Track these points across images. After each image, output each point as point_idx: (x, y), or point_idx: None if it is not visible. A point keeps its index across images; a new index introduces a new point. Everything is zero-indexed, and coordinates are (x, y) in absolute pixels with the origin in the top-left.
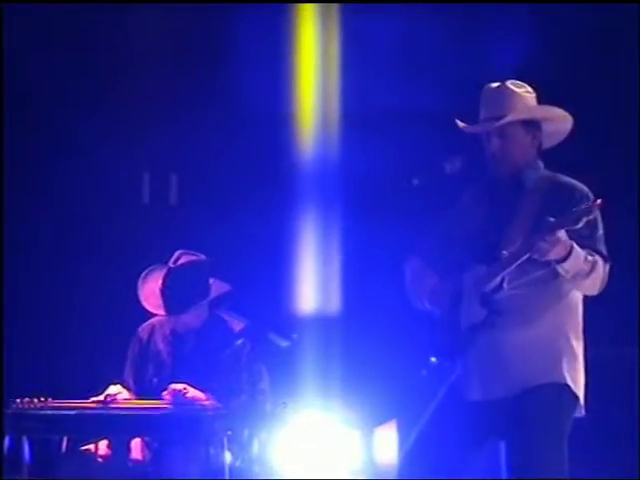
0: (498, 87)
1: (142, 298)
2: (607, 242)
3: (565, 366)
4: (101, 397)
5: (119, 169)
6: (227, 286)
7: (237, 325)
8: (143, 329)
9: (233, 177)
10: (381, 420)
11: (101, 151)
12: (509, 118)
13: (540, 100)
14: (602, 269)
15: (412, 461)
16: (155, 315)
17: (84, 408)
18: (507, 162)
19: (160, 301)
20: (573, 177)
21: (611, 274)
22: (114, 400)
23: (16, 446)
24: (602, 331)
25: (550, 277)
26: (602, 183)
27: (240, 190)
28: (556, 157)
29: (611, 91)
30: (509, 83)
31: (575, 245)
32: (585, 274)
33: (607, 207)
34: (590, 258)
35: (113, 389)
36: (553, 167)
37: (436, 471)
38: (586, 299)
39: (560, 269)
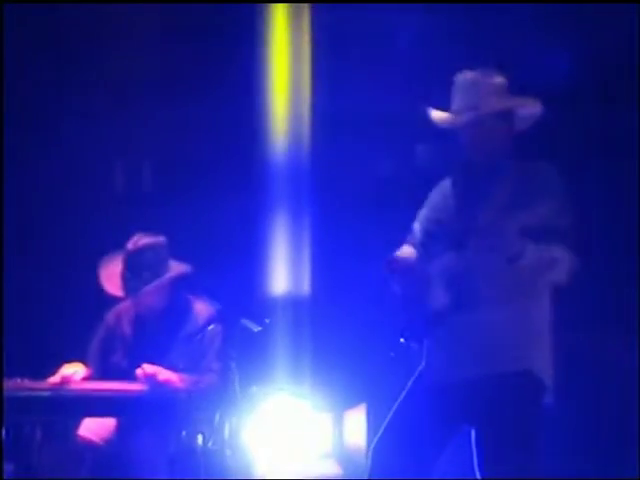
0: (471, 76)
1: (103, 281)
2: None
3: (533, 353)
4: (56, 378)
5: (92, 154)
6: (186, 266)
7: (202, 307)
8: (110, 315)
9: (205, 163)
10: (351, 404)
11: (74, 136)
12: (486, 109)
13: (510, 87)
14: (567, 262)
15: (384, 447)
16: (119, 299)
17: (58, 389)
18: (482, 151)
19: (120, 283)
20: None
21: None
22: (69, 380)
23: None
24: (599, 319)
25: (519, 268)
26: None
27: (212, 176)
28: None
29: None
30: (482, 72)
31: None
32: (550, 268)
33: (600, 198)
34: (555, 253)
35: (70, 368)
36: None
37: (407, 455)
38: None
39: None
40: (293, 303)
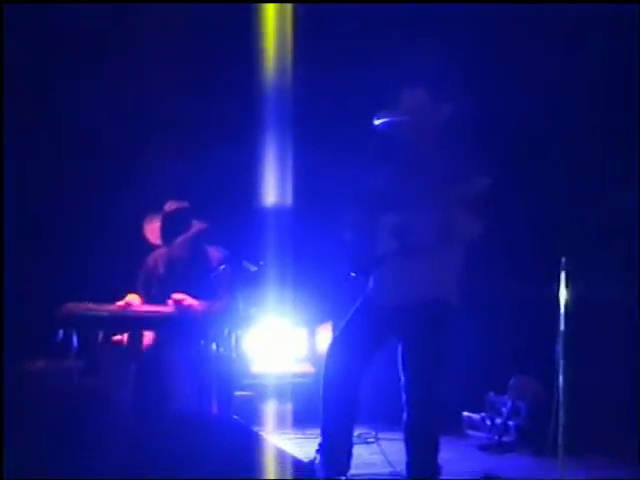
0: (420, 90)
1: (147, 233)
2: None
3: (449, 286)
4: (122, 302)
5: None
6: (204, 224)
7: (216, 253)
8: (150, 259)
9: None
10: (321, 321)
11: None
12: (446, 110)
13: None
14: (479, 221)
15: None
16: (156, 246)
17: (114, 310)
18: (423, 139)
19: (159, 234)
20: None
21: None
22: (132, 305)
23: (66, 337)
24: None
25: (447, 222)
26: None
27: (211, 134)
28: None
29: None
30: (424, 87)
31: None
32: (467, 226)
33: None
34: (472, 213)
35: (131, 297)
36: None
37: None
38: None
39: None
40: (278, 214)
